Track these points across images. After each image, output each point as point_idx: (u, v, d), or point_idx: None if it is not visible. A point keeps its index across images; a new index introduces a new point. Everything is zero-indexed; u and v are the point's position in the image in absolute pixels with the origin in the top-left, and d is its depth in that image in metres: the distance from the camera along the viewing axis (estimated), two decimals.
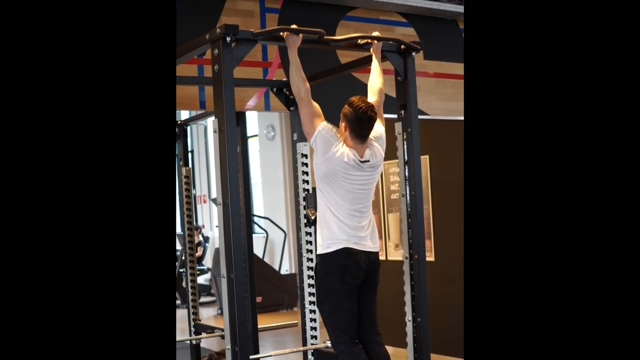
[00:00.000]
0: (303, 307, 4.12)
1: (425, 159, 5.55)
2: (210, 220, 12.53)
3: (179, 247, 8.14)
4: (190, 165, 5.74)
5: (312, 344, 4.08)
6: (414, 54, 3.52)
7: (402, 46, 3.51)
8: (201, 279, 9.72)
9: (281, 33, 3.21)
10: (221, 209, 3.00)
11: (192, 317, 5.24)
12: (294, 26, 3.20)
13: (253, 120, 10.64)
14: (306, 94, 3.17)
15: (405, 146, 3.49)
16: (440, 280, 5.32)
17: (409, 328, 3.46)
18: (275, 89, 4.24)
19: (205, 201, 12.77)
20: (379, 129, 3.34)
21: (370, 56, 3.50)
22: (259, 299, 7.12)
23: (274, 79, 4.72)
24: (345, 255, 3.20)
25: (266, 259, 9.73)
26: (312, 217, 3.88)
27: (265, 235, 10.13)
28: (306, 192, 4.02)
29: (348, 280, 3.21)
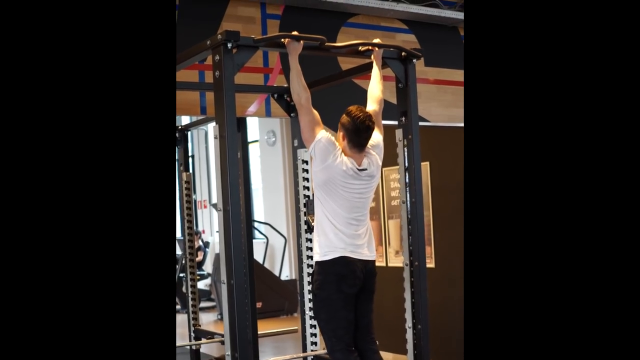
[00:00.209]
0: (303, 313, 4.12)
1: (425, 166, 5.55)
2: (210, 225, 12.53)
3: (178, 252, 8.14)
4: (190, 171, 5.74)
5: (312, 350, 4.08)
6: (414, 60, 3.52)
7: (403, 53, 3.51)
8: (201, 284, 9.72)
9: (282, 39, 3.21)
10: (222, 215, 3.01)
11: (192, 322, 5.23)
12: (295, 33, 3.21)
13: (254, 126, 10.65)
14: (306, 102, 3.17)
15: (405, 153, 3.49)
16: (440, 286, 5.31)
17: (409, 335, 3.46)
18: (276, 95, 4.24)
19: (205, 206, 12.78)
20: (376, 137, 3.35)
21: (371, 63, 3.51)
22: (259, 305, 7.12)
23: (275, 85, 4.73)
24: (342, 264, 3.20)
25: (266, 265, 9.73)
26: (313, 224, 3.88)
27: (265, 240, 10.13)
28: (307, 198, 4.03)
29: (345, 288, 3.21)
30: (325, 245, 3.23)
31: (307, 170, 4.06)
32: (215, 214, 10.17)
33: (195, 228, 6.25)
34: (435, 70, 5.63)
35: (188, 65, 3.66)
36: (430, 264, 5.46)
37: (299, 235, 4.10)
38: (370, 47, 3.47)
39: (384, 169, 6.03)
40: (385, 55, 3.48)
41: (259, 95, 4.77)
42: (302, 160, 4.08)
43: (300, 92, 3.15)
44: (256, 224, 10.19)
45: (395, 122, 3.55)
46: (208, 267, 10.72)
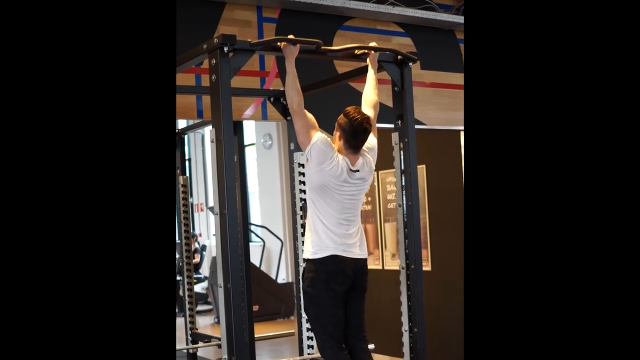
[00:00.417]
0: (300, 316, 4.12)
1: (422, 169, 5.56)
2: (207, 229, 12.52)
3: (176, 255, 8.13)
4: (187, 174, 5.74)
5: (308, 354, 4.08)
6: (410, 64, 3.53)
7: (399, 56, 3.51)
8: (198, 288, 9.71)
9: (278, 43, 3.22)
10: (218, 219, 3.01)
11: (189, 325, 5.23)
12: (291, 36, 3.21)
13: (250, 129, 10.64)
14: (298, 107, 3.17)
15: (402, 156, 3.50)
16: (437, 289, 5.32)
17: (406, 338, 3.46)
18: (272, 99, 4.25)
19: (202, 209, 12.77)
20: (372, 141, 3.37)
21: (368, 66, 3.51)
22: (255, 308, 7.10)
23: (271, 89, 4.74)
24: (332, 263, 3.23)
25: (263, 268, 9.72)
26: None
27: (262, 244, 10.12)
28: (303, 202, 4.03)
29: (334, 286, 3.23)
30: (317, 244, 3.25)
31: (303, 174, 4.07)
32: (211, 217, 10.17)
33: (192, 231, 6.24)
34: (431, 73, 5.64)
35: (185, 69, 3.66)
36: (427, 267, 5.46)
37: (295, 239, 4.11)
38: (366, 51, 3.47)
39: (380, 171, 6.05)
40: (381, 58, 3.49)
41: (256, 99, 4.78)
42: (299, 163, 4.08)
43: (293, 96, 3.16)
44: (253, 227, 10.19)
45: (392, 125, 3.55)
46: (205, 271, 10.71)
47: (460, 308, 2.32)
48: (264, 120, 5.03)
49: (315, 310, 3.28)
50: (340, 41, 4.98)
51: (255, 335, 5.00)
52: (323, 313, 3.25)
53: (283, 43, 3.20)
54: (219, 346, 3.41)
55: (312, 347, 4.08)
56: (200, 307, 9.35)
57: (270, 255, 10.26)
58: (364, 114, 3.25)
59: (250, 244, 6.60)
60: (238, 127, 4.99)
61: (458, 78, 5.60)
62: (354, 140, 3.23)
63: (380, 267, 5.95)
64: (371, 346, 3.46)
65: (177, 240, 5.70)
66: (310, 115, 3.22)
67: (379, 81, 3.49)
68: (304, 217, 4.00)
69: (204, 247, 11.52)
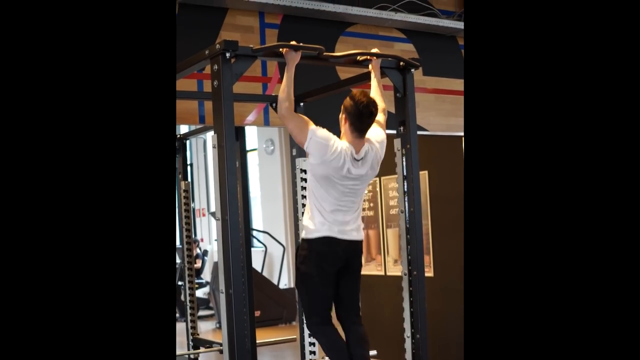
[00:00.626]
0: (302, 322, 4.12)
1: (424, 175, 5.56)
2: (209, 234, 12.52)
3: (177, 260, 8.13)
4: (189, 179, 5.74)
5: (310, 359, 4.07)
6: (413, 70, 3.53)
7: (401, 63, 3.52)
8: (200, 293, 9.70)
9: (280, 49, 3.22)
10: (220, 224, 3.01)
11: (190, 331, 5.22)
12: (293, 42, 3.22)
13: (252, 135, 10.65)
14: (286, 111, 3.16)
15: (404, 162, 3.50)
16: (439, 295, 5.31)
17: (408, 344, 3.46)
18: (274, 104, 4.24)
19: (204, 214, 12.77)
20: (381, 134, 3.36)
21: (370, 72, 3.51)
22: (257, 313, 7.11)
23: (273, 94, 4.73)
24: (325, 243, 3.24)
25: (265, 273, 9.72)
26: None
27: (264, 249, 10.12)
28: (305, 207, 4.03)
29: (325, 266, 3.27)
30: (312, 225, 3.26)
31: (305, 179, 4.06)
32: (213, 222, 10.15)
33: (193, 236, 6.24)
34: (433, 79, 5.64)
35: (187, 75, 3.66)
36: (429, 273, 5.46)
37: (297, 244, 4.10)
38: (368, 57, 3.48)
39: (382, 177, 6.05)
40: (383, 64, 3.49)
41: (258, 105, 4.78)
42: (301, 169, 4.08)
43: (283, 100, 3.16)
44: (255, 233, 10.19)
45: (394, 132, 3.55)
46: (206, 276, 10.71)
47: (462, 313, 2.32)
48: (266, 126, 5.04)
49: (305, 287, 3.32)
50: (342, 47, 4.98)
51: (257, 341, 5.01)
52: (312, 291, 3.30)
53: (285, 49, 3.20)
54: (221, 352, 3.42)
55: (314, 352, 4.08)
56: (201, 313, 9.35)
57: (272, 261, 10.26)
58: (370, 97, 3.23)
59: (252, 249, 6.60)
60: (240, 133, 5.01)
61: (460, 84, 5.60)
62: (359, 123, 3.20)
63: (382, 273, 5.95)
64: (373, 352, 3.46)
65: (179, 245, 5.70)
66: (300, 115, 3.23)
67: (382, 87, 3.49)
68: None
69: (205, 253, 11.52)
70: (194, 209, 11.57)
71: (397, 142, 3.52)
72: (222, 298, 3.00)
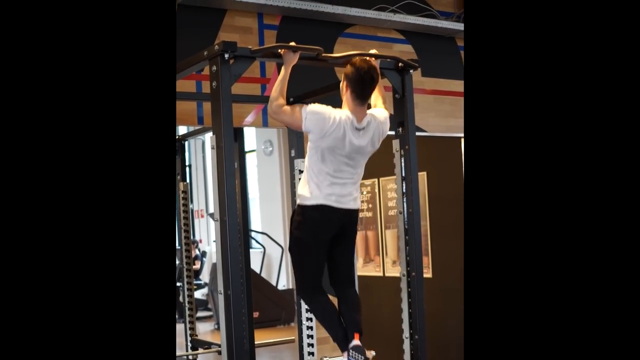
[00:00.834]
0: (300, 322, 4.12)
1: (422, 175, 5.56)
2: (207, 235, 12.51)
3: (176, 261, 8.13)
4: (187, 180, 5.74)
5: None
6: (411, 71, 3.53)
7: (400, 64, 3.52)
8: (198, 294, 9.69)
9: (279, 50, 3.22)
10: (218, 225, 3.01)
11: (189, 332, 5.22)
12: (292, 43, 3.22)
13: (251, 135, 10.64)
14: (278, 107, 3.17)
15: (402, 163, 3.50)
16: (437, 297, 5.31)
17: (406, 345, 3.46)
18: None
19: (202, 216, 12.75)
20: (384, 112, 3.36)
21: None
22: (256, 315, 7.09)
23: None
24: (321, 211, 3.22)
25: (263, 274, 9.71)
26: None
27: (262, 250, 10.11)
28: None
29: (319, 234, 3.26)
30: (309, 192, 3.24)
31: None
32: (212, 223, 10.15)
33: (192, 237, 6.24)
34: (432, 80, 5.64)
35: (185, 76, 3.66)
36: (428, 274, 5.46)
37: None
38: (367, 58, 3.47)
39: (381, 178, 6.05)
40: (382, 65, 3.48)
41: (256, 106, 4.78)
42: (299, 170, 4.08)
43: (275, 98, 3.17)
44: (253, 234, 10.18)
45: (392, 133, 3.55)
46: (205, 277, 10.69)
47: (461, 314, 2.32)
48: (264, 127, 5.03)
49: (298, 254, 3.32)
50: (341, 48, 4.98)
51: (256, 342, 5.00)
52: (305, 257, 3.30)
53: (283, 50, 3.20)
54: (219, 353, 3.41)
55: (312, 354, 4.08)
56: (200, 314, 9.33)
57: (271, 262, 10.25)
58: (371, 64, 3.22)
59: (251, 250, 6.60)
60: (239, 134, 5.00)
61: (459, 85, 5.61)
62: (360, 89, 3.19)
63: (380, 274, 5.95)
64: (372, 353, 3.46)
65: (178, 247, 5.70)
66: (290, 106, 3.21)
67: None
68: None
69: (204, 254, 11.51)
70: (192, 210, 11.57)
71: (396, 143, 3.52)
72: (221, 299, 3.00)
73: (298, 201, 3.33)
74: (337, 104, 3.29)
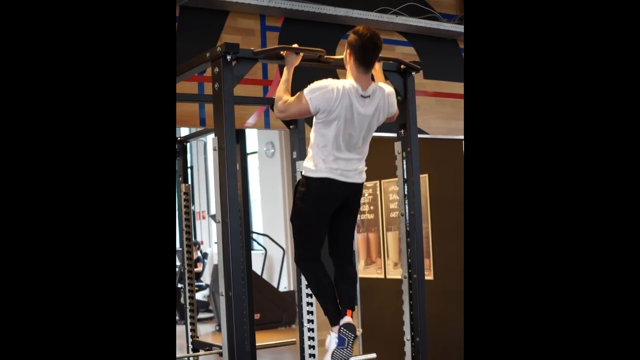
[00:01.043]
0: (301, 324, 4.11)
1: (424, 178, 5.56)
2: (209, 236, 12.50)
3: (177, 263, 8.13)
4: (189, 182, 5.74)
5: None
6: (413, 73, 3.53)
7: (402, 66, 3.52)
8: (199, 295, 9.69)
9: (281, 52, 3.22)
10: (220, 227, 3.01)
11: (190, 333, 5.22)
12: (294, 45, 3.22)
13: (253, 137, 10.63)
14: (283, 103, 3.17)
15: (404, 165, 3.50)
16: (439, 299, 5.31)
17: (408, 347, 3.46)
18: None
19: (204, 217, 12.75)
20: (389, 87, 3.34)
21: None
22: (257, 316, 7.10)
23: (274, 97, 4.73)
24: (325, 184, 3.20)
25: (265, 276, 9.69)
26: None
27: (264, 252, 10.11)
28: None
29: (321, 206, 3.24)
30: (314, 165, 3.22)
31: None
32: (213, 225, 10.13)
33: (193, 239, 6.24)
34: (434, 82, 5.64)
35: (188, 77, 3.67)
36: (429, 276, 5.46)
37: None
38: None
39: (382, 180, 6.05)
40: (384, 68, 3.49)
41: (258, 107, 4.78)
42: (301, 172, 4.07)
43: (277, 99, 3.18)
44: (254, 236, 10.17)
45: (394, 135, 3.56)
46: (206, 278, 10.69)
47: (462, 316, 2.32)
48: (266, 129, 5.04)
49: (300, 224, 3.30)
50: (343, 50, 4.96)
51: (257, 344, 5.00)
52: (306, 228, 3.28)
53: (286, 51, 3.20)
54: (220, 354, 3.41)
55: (313, 356, 4.07)
56: (201, 315, 9.32)
57: (272, 264, 10.24)
58: (374, 31, 3.20)
59: (252, 252, 6.60)
60: (240, 136, 5.01)
61: (460, 87, 5.61)
62: (363, 56, 3.16)
63: (382, 276, 5.95)
64: (373, 355, 3.46)
65: (179, 248, 5.70)
66: (293, 98, 3.21)
67: None
68: None
69: (205, 255, 11.50)
70: (194, 212, 11.57)
71: (398, 145, 3.52)
72: (222, 301, 3.00)
73: (303, 172, 3.30)
74: None
